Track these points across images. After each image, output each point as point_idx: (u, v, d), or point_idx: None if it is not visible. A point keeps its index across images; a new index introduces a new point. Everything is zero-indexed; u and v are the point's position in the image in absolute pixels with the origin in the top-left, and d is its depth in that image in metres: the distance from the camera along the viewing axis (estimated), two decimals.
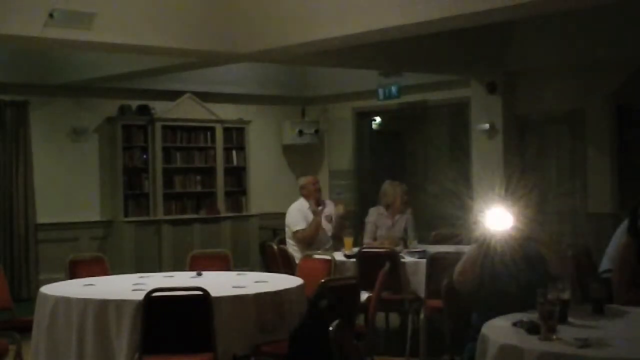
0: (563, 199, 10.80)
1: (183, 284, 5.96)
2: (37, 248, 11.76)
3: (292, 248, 8.53)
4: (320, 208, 8.69)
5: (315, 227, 8.58)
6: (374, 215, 8.78)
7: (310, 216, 8.66)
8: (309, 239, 8.57)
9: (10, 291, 7.10)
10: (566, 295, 4.28)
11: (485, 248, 4.90)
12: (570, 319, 4.26)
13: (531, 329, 4.02)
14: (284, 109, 14.05)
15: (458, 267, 5.03)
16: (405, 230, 8.71)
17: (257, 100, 13.64)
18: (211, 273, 6.78)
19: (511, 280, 4.82)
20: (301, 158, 14.02)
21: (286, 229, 8.77)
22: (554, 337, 3.91)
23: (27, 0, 7.54)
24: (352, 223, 11.83)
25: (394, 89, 12.67)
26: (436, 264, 7.19)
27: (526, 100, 11.18)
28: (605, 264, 6.48)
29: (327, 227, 8.74)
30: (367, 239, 8.66)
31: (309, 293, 5.79)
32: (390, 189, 8.84)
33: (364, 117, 13.87)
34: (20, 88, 11.58)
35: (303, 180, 9.00)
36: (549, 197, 10.84)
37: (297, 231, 8.59)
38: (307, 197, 8.80)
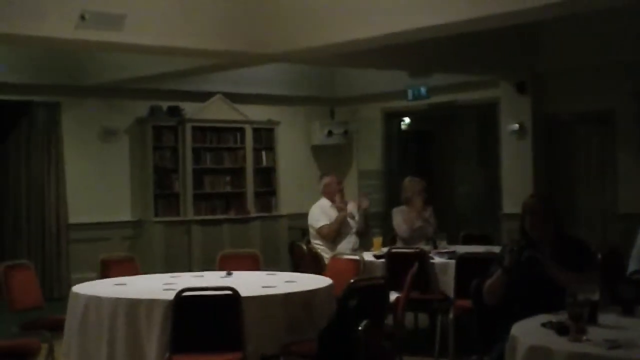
0: (593, 199, 10.76)
1: (213, 283, 5.98)
2: (68, 248, 11.85)
3: (320, 248, 8.56)
4: (338, 206, 8.76)
5: (340, 221, 8.62)
6: (398, 215, 8.78)
7: (332, 214, 8.71)
8: (334, 234, 8.62)
9: (42, 290, 7.17)
10: (596, 297, 4.27)
11: (508, 272, 4.92)
12: (600, 320, 4.25)
13: (560, 329, 4.01)
14: (313, 110, 14.07)
15: (486, 286, 5.05)
16: (432, 225, 8.72)
17: (287, 101, 13.67)
18: (241, 273, 6.80)
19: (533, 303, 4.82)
20: (330, 158, 14.03)
21: (310, 229, 8.81)
22: (584, 338, 3.90)
23: (58, 3, 7.61)
24: (380, 223, 11.85)
25: (423, 89, 12.67)
26: (465, 265, 7.18)
27: (556, 100, 11.14)
28: (632, 265, 6.45)
29: (350, 223, 8.77)
30: (405, 233, 8.63)
31: (338, 293, 5.81)
32: (409, 184, 8.87)
33: (393, 117, 13.86)
34: (52, 89, 11.69)
35: (326, 180, 9.04)
36: (579, 197, 10.82)
37: (321, 227, 8.63)
38: (328, 196, 8.84)
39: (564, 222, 5.32)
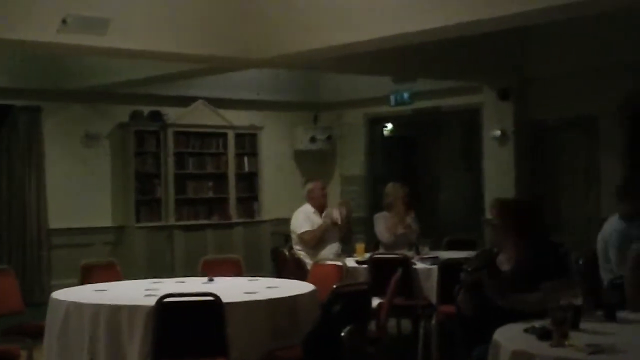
0: (576, 205, 10.79)
1: (195, 289, 5.94)
2: (49, 253, 11.79)
3: (302, 253, 8.55)
4: (325, 213, 8.75)
5: (324, 229, 8.61)
6: (380, 221, 8.79)
7: (315, 220, 8.70)
8: (317, 240, 8.60)
9: (23, 296, 7.10)
10: (578, 302, 4.27)
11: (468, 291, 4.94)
12: (582, 325, 4.25)
13: (543, 335, 4.01)
14: (296, 115, 14.06)
15: (457, 300, 5.07)
16: (415, 231, 8.73)
17: (270, 106, 13.66)
18: (223, 279, 6.77)
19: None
20: (313, 164, 14.02)
21: (292, 235, 8.79)
22: (566, 343, 3.90)
23: (40, 6, 7.57)
24: (363, 229, 11.85)
25: (405, 95, 12.69)
26: (448, 270, 7.17)
27: (538, 106, 11.17)
28: (604, 273, 6.50)
29: (333, 230, 8.78)
30: (387, 240, 8.65)
31: (321, 299, 5.79)
32: (391, 190, 8.89)
33: (376, 123, 13.87)
34: (33, 93, 11.63)
35: (310, 185, 9.02)
36: (562, 203, 10.85)
37: (303, 232, 8.61)
38: (312, 202, 8.83)
39: (545, 229, 5.27)
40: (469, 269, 4.97)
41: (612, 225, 6.71)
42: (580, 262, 7.02)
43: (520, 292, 4.82)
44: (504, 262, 5.08)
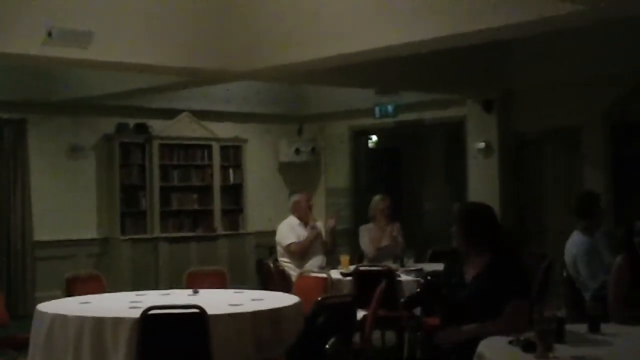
0: (561, 217, 10.82)
1: (180, 301, 5.95)
2: (34, 265, 11.75)
3: (287, 265, 8.55)
4: (312, 225, 8.76)
5: (310, 240, 8.61)
6: (365, 234, 8.83)
7: (300, 232, 8.69)
8: (303, 251, 8.60)
9: (7, 308, 7.10)
10: (562, 313, 4.29)
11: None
12: (566, 337, 4.26)
13: (527, 347, 4.02)
14: (280, 127, 14.08)
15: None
16: (399, 243, 8.76)
17: (254, 118, 13.68)
18: (208, 291, 6.77)
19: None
20: (298, 176, 14.03)
21: (277, 247, 8.79)
22: (551, 355, 3.91)
23: (25, 19, 7.57)
24: (348, 240, 11.86)
25: (390, 107, 12.72)
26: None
27: (522, 118, 11.23)
28: (587, 284, 6.60)
29: (316, 243, 8.78)
30: (370, 253, 8.69)
31: (306, 311, 5.80)
32: (374, 202, 8.94)
33: (361, 135, 13.90)
34: (18, 106, 11.61)
35: (296, 197, 9.02)
36: (546, 215, 10.89)
37: (289, 244, 8.61)
38: (297, 214, 8.83)
39: (505, 239, 5.16)
40: (429, 284, 5.03)
41: (576, 240, 6.93)
42: (565, 274, 7.06)
43: (479, 315, 4.83)
44: (469, 271, 5.07)
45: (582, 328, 4.53)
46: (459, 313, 4.92)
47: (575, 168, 10.82)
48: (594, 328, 4.52)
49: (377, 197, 9.06)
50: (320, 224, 8.90)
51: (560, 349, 4.01)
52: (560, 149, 11.07)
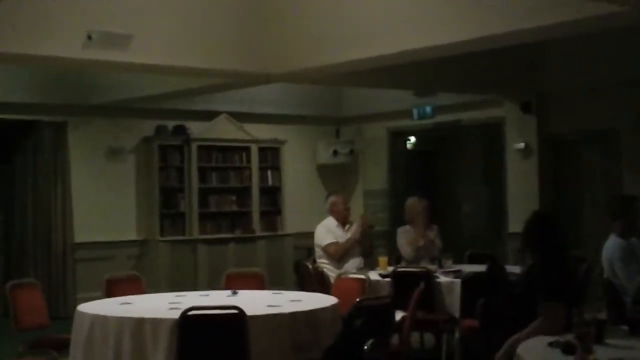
0: (599, 219, 10.73)
1: (218, 302, 5.98)
2: (74, 267, 11.87)
3: (326, 267, 8.55)
4: (348, 227, 8.74)
5: (351, 243, 8.59)
6: (402, 236, 8.80)
7: (338, 233, 8.67)
8: (342, 253, 8.58)
9: (48, 309, 7.16)
10: (602, 316, 4.27)
11: None
12: (606, 340, 4.24)
13: (567, 349, 4.00)
14: (318, 129, 14.09)
15: None
16: (437, 246, 8.73)
17: (292, 120, 13.71)
18: (246, 292, 6.79)
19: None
20: (335, 178, 14.04)
21: (316, 248, 8.78)
22: (590, 357, 3.89)
23: (66, 23, 7.65)
24: (386, 242, 11.85)
25: (428, 108, 12.70)
26: (471, 284, 7.17)
27: (561, 120, 11.15)
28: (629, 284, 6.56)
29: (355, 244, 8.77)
30: (407, 255, 8.67)
31: (344, 312, 5.80)
32: (411, 204, 8.90)
33: (399, 136, 13.88)
34: (58, 109, 11.73)
35: (332, 199, 8.99)
36: (584, 217, 10.81)
37: (328, 244, 8.59)
38: (335, 215, 8.81)
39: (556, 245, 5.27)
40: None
41: (611, 244, 6.90)
42: (605, 277, 7.01)
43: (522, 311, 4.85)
44: None
45: (622, 331, 4.50)
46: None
47: (614, 169, 10.73)
48: (635, 331, 4.49)
49: (411, 199, 9.01)
50: (357, 226, 8.88)
51: (600, 351, 3.99)
52: (599, 151, 10.98)
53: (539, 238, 5.15)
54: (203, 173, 12.75)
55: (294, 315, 5.69)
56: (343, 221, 8.81)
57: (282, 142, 13.47)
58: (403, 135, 13.92)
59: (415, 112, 12.87)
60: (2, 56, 7.85)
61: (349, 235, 8.68)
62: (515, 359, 4.19)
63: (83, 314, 5.84)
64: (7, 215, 11.92)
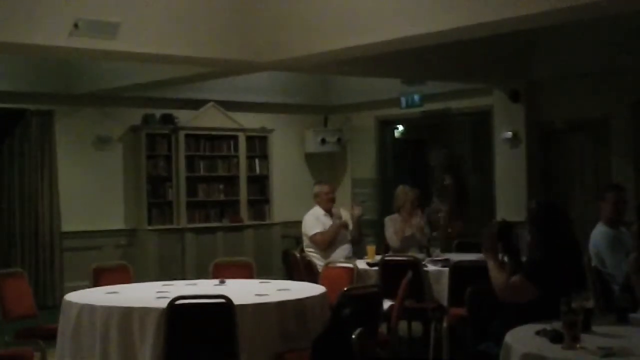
0: (587, 207, 10.75)
1: (206, 292, 5.98)
2: (61, 256, 11.82)
3: (313, 256, 8.55)
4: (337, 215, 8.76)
5: (334, 230, 8.60)
6: (390, 225, 8.81)
7: (326, 222, 8.69)
8: (328, 241, 8.59)
9: (35, 299, 7.15)
10: (590, 304, 4.27)
11: None
12: (594, 328, 4.25)
13: (555, 337, 4.01)
14: (306, 118, 14.07)
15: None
16: (425, 233, 8.75)
17: (280, 109, 13.68)
18: (234, 281, 6.80)
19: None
20: (324, 166, 14.03)
21: (304, 237, 8.79)
22: (578, 346, 3.90)
23: (52, 11, 7.60)
24: (374, 231, 11.85)
25: (416, 97, 12.68)
26: (459, 273, 7.18)
27: (549, 108, 11.15)
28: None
29: (344, 232, 8.77)
30: (394, 244, 8.68)
31: (332, 301, 5.80)
32: (401, 193, 8.90)
33: (387, 125, 13.87)
34: (45, 97, 11.67)
35: (317, 189, 9.02)
36: (573, 205, 10.82)
37: (315, 234, 8.60)
38: (322, 204, 8.83)
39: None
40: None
41: (598, 232, 7.02)
42: (593, 265, 7.03)
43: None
44: None
45: (610, 319, 4.51)
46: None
47: (603, 158, 10.74)
48: (622, 319, 4.50)
49: (401, 188, 9.02)
50: (346, 213, 8.89)
51: (588, 340, 3.99)
52: (587, 139, 10.98)
53: (543, 228, 5.18)
54: (191, 162, 12.72)
55: (282, 305, 5.70)
56: (329, 210, 8.82)
57: (270, 131, 13.44)
58: (391, 123, 13.91)
59: (403, 100, 12.85)
60: None
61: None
62: (502, 349, 4.19)
63: (70, 303, 5.83)
64: None
